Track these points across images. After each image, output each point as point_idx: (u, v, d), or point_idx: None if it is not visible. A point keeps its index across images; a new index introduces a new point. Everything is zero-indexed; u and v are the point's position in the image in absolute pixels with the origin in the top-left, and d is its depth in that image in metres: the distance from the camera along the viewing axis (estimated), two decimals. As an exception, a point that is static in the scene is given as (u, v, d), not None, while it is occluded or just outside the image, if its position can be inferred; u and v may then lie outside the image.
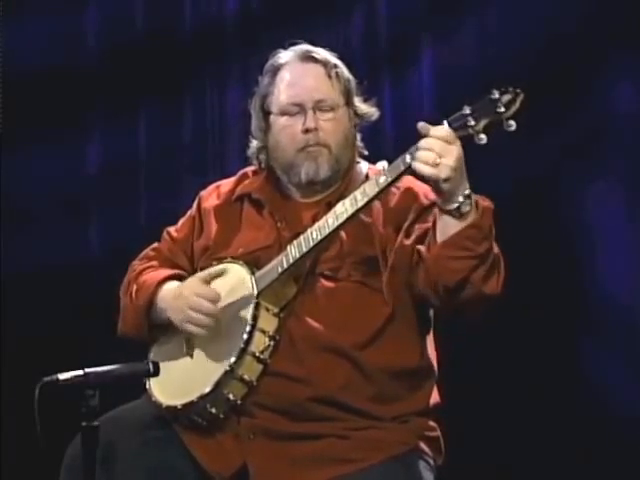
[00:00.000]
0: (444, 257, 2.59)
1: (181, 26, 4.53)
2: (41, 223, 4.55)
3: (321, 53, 2.94)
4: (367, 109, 2.97)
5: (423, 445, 2.77)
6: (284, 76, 2.92)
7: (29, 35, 4.54)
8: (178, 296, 2.82)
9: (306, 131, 2.85)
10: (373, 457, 2.68)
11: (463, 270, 2.58)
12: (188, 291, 2.80)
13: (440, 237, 2.60)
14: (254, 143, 2.99)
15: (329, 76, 2.91)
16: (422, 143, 2.55)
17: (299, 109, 2.87)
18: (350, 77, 2.95)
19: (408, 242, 2.73)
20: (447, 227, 2.59)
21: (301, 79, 2.90)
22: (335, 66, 2.92)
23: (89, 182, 4.60)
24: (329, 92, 2.89)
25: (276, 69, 2.93)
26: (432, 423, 2.81)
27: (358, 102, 2.96)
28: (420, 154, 2.54)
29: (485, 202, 2.61)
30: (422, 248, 2.67)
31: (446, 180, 2.53)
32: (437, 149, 2.53)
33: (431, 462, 2.78)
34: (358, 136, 2.97)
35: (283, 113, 2.90)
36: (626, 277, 3.86)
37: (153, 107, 4.55)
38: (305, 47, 2.95)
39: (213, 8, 4.51)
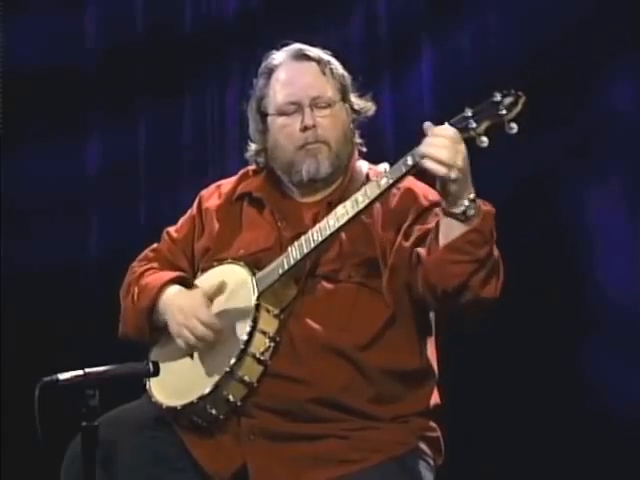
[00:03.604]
0: (446, 261, 2.58)
1: (181, 26, 4.53)
2: (41, 223, 4.55)
3: (314, 51, 2.94)
4: (363, 104, 2.96)
5: (423, 445, 2.77)
6: (279, 76, 2.92)
7: (29, 35, 4.55)
8: (178, 310, 2.81)
9: (304, 129, 2.85)
10: (373, 458, 2.68)
11: (463, 274, 2.57)
12: (188, 310, 2.79)
13: (443, 240, 2.59)
14: (252, 146, 2.99)
15: (323, 73, 2.90)
16: (432, 141, 2.51)
17: (296, 107, 2.87)
18: (344, 73, 2.95)
19: (407, 244, 2.72)
20: (451, 230, 2.57)
21: (296, 78, 2.90)
22: (329, 63, 2.93)
23: (89, 182, 4.60)
24: (325, 89, 2.89)
25: (270, 70, 2.93)
26: (432, 423, 2.81)
27: (354, 98, 2.95)
28: (433, 152, 2.50)
29: (486, 206, 2.60)
30: (422, 251, 2.66)
31: (454, 181, 2.52)
32: (450, 149, 2.49)
33: (431, 462, 2.78)
34: (356, 132, 2.96)
35: (280, 113, 2.89)
36: (626, 277, 3.86)
37: (153, 107, 4.54)
38: (298, 46, 2.95)
39: (213, 8, 4.50)
